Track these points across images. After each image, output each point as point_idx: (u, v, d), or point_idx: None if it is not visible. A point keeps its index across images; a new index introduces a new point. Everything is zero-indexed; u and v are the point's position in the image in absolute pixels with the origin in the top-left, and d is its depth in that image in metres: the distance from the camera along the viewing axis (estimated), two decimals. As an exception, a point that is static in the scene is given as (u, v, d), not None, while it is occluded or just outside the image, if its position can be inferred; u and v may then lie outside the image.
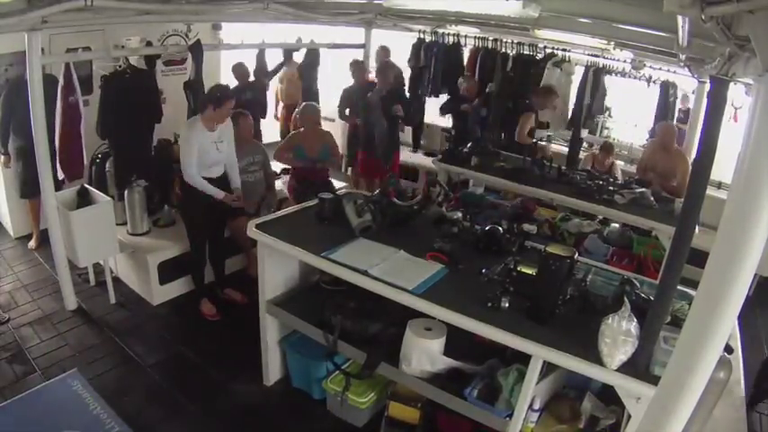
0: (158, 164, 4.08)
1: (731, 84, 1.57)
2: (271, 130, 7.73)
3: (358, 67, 5.19)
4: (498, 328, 1.94)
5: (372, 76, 5.23)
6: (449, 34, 5.91)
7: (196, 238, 3.53)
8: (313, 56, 5.79)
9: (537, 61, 5.64)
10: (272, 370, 2.96)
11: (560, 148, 5.99)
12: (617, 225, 4.48)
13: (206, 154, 3.23)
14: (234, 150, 3.46)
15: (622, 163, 5.60)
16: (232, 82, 6.18)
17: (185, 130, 3.25)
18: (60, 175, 3.80)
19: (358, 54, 5.45)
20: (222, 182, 3.40)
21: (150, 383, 2.96)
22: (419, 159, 6.20)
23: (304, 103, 4.78)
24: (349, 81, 5.25)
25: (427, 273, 2.26)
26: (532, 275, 2.10)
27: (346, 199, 2.63)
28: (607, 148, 4.83)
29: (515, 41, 5.57)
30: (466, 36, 5.82)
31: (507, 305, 2.03)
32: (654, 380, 1.62)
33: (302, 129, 4.40)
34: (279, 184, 4.57)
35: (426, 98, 6.08)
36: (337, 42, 5.60)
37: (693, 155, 3.89)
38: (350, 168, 5.77)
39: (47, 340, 3.22)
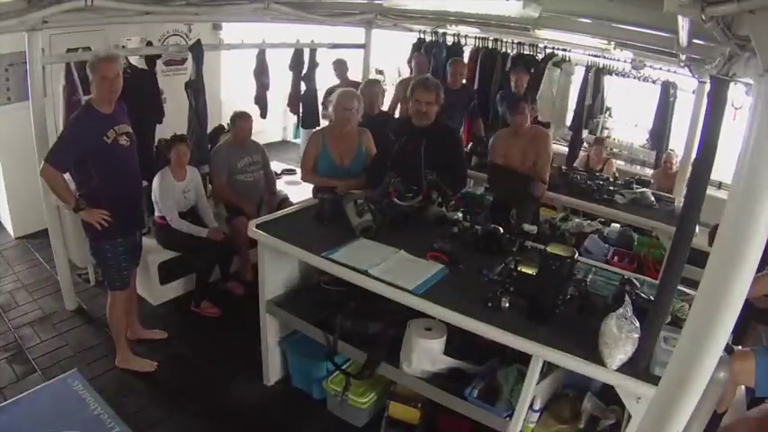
0: (159, 164, 4.08)
1: (731, 84, 1.57)
2: (274, 128, 7.78)
3: (340, 67, 5.26)
4: (498, 327, 1.93)
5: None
6: (449, 34, 5.90)
7: (197, 257, 3.62)
8: (299, 57, 5.77)
9: (537, 61, 5.64)
10: (273, 370, 2.96)
11: (560, 148, 6.00)
12: (617, 225, 4.49)
13: (175, 203, 3.58)
14: (203, 195, 3.74)
15: (623, 163, 5.60)
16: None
17: (157, 181, 3.50)
18: None
19: (358, 54, 5.45)
20: (193, 214, 3.70)
21: (150, 383, 2.96)
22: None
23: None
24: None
25: (427, 273, 2.26)
26: (533, 275, 2.10)
27: (346, 199, 2.63)
28: (600, 141, 4.86)
29: (515, 41, 5.57)
30: (466, 36, 5.82)
31: (507, 305, 2.03)
32: (654, 380, 1.62)
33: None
34: (280, 184, 4.57)
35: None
36: (337, 42, 5.60)
37: (693, 155, 3.90)
38: None
39: (47, 340, 3.22)
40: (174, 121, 4.16)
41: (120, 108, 2.76)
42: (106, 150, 2.57)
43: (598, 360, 1.76)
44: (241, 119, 3.95)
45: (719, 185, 4.71)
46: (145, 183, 3.75)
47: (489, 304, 2.04)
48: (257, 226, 2.66)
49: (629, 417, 1.81)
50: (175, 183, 3.56)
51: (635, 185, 4.14)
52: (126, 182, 2.76)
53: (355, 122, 3.27)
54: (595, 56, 5.54)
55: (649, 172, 5.50)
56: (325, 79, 5.74)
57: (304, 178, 3.41)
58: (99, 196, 2.63)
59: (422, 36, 5.93)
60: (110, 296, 2.93)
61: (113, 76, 2.53)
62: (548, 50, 5.70)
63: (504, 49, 5.68)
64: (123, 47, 4.62)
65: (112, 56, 2.62)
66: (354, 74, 5.59)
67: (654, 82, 5.61)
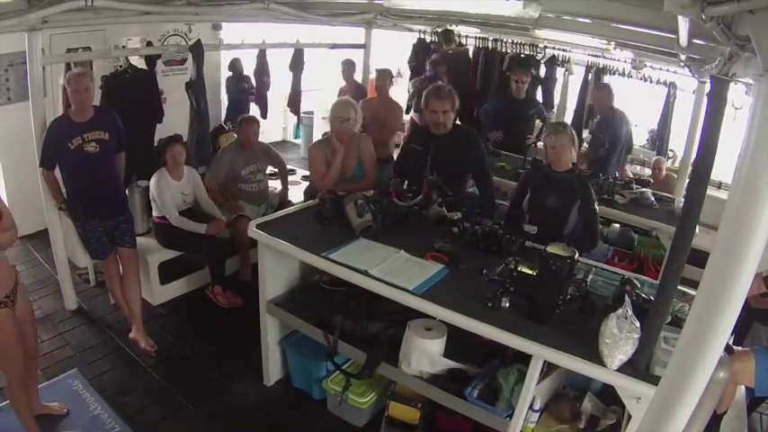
0: (160, 163, 4.09)
1: (731, 84, 1.57)
2: (274, 128, 7.78)
3: (348, 68, 5.31)
4: (499, 328, 1.94)
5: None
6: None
7: (203, 250, 3.63)
8: (299, 57, 5.75)
9: (537, 61, 5.63)
10: (273, 370, 2.96)
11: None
12: (617, 225, 4.48)
13: (174, 202, 3.58)
14: (204, 193, 3.71)
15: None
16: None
17: (154, 181, 3.52)
18: None
19: (358, 54, 5.45)
20: (191, 214, 3.66)
21: (150, 383, 2.96)
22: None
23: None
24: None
25: (428, 273, 2.26)
26: (533, 276, 2.10)
27: (347, 199, 2.63)
28: (660, 164, 4.82)
29: (515, 41, 5.56)
30: (467, 36, 5.82)
31: (508, 305, 2.03)
32: (654, 380, 1.62)
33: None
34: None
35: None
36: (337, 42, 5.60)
37: (694, 155, 3.90)
38: None
39: (47, 340, 3.22)
40: (175, 120, 4.16)
41: (104, 116, 3.04)
42: (69, 154, 2.91)
43: (598, 360, 1.76)
44: (246, 122, 3.91)
45: (719, 185, 4.70)
46: (145, 183, 3.78)
47: (489, 304, 2.04)
48: (257, 226, 2.66)
49: (629, 417, 1.81)
50: (173, 183, 3.55)
51: (635, 185, 4.14)
52: (89, 180, 3.01)
53: (352, 132, 3.25)
54: (595, 56, 5.54)
55: (649, 172, 5.48)
56: (326, 80, 5.73)
57: (321, 184, 3.22)
58: (65, 188, 3.11)
59: (422, 36, 5.92)
60: None
61: (83, 90, 2.84)
62: (548, 50, 5.70)
63: (504, 50, 5.68)
64: (123, 47, 4.62)
65: (83, 72, 2.97)
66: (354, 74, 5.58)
67: (661, 83, 5.59)
